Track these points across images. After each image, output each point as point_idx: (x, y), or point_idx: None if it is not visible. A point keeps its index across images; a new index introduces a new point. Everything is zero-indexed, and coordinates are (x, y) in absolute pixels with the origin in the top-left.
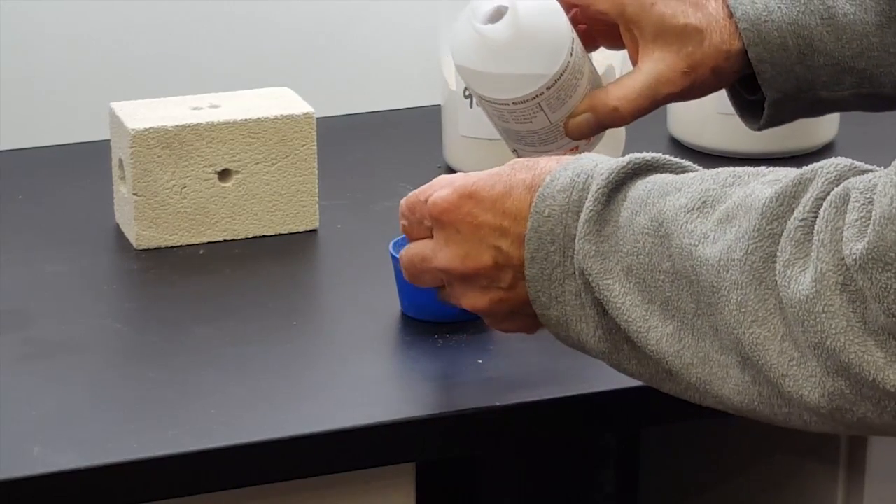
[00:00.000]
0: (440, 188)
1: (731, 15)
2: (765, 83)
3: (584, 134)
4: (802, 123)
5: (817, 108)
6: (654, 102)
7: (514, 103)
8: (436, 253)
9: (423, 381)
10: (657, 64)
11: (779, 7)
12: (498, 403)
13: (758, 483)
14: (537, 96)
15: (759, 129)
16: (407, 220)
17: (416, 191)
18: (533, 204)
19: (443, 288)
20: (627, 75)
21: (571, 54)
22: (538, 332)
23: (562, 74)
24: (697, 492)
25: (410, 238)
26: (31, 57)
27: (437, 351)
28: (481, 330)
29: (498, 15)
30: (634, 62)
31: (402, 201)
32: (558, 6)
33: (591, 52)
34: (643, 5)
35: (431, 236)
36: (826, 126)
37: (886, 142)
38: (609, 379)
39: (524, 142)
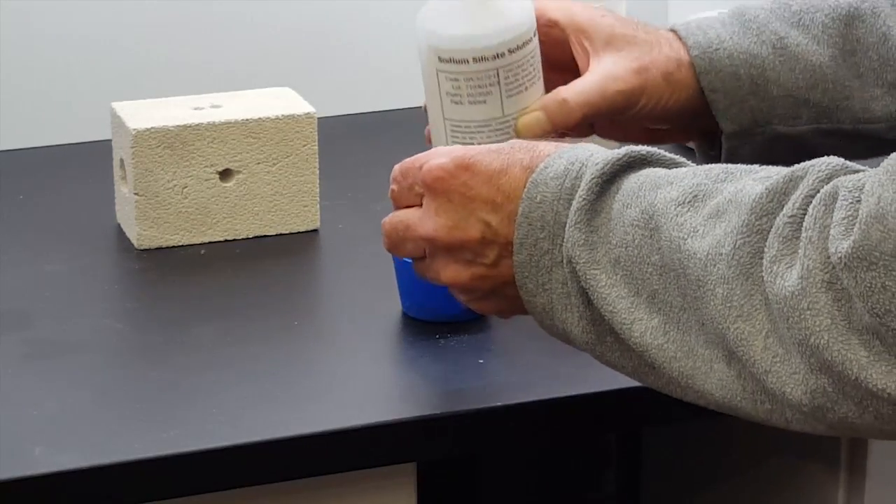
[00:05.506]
0: (437, 156)
1: (681, 39)
2: (719, 114)
3: (533, 134)
4: None
5: (777, 145)
6: (603, 98)
7: (473, 60)
8: (423, 221)
9: (423, 381)
10: (607, 64)
11: (730, 37)
12: (499, 403)
13: (759, 484)
14: (497, 57)
15: None
16: (398, 184)
17: (412, 157)
18: (525, 189)
19: (422, 260)
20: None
21: (534, 37)
22: (516, 321)
23: (525, 44)
24: (699, 492)
25: (397, 205)
26: (31, 57)
27: (437, 351)
28: (482, 330)
29: None
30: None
31: (396, 166)
32: None
33: None
34: (593, 17)
35: (419, 205)
36: None
37: None
38: (610, 379)
39: (471, 137)
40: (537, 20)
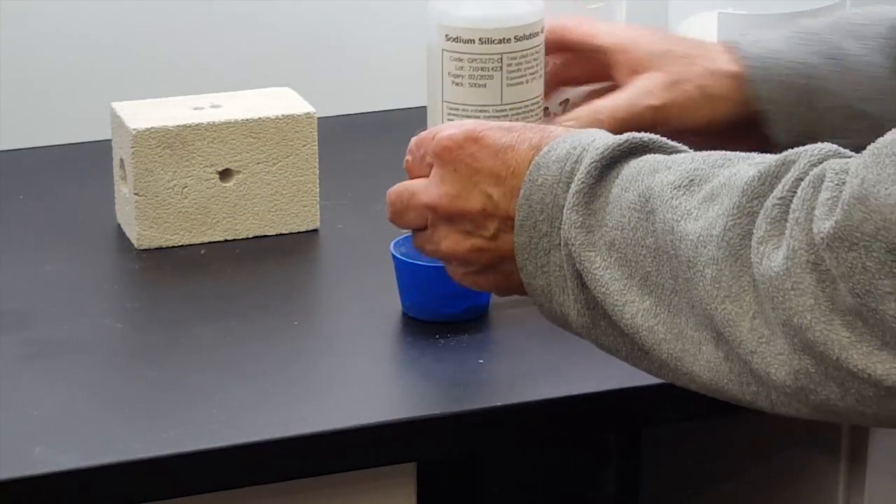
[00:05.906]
0: (449, 127)
1: (734, 51)
2: (769, 123)
3: None
4: None
5: None
6: (631, 112)
7: (479, 41)
8: (428, 189)
9: (423, 381)
10: (640, 79)
11: (786, 47)
12: (499, 403)
13: (759, 480)
14: (503, 41)
15: None
16: (412, 155)
17: (428, 129)
18: (528, 171)
19: (423, 231)
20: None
21: (540, 33)
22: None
23: (532, 36)
24: (699, 492)
25: (411, 176)
26: (31, 57)
27: (437, 351)
28: (482, 330)
29: None
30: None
31: (413, 138)
32: None
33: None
34: (635, 36)
35: (429, 176)
36: None
37: None
38: (610, 379)
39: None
40: (586, 45)
